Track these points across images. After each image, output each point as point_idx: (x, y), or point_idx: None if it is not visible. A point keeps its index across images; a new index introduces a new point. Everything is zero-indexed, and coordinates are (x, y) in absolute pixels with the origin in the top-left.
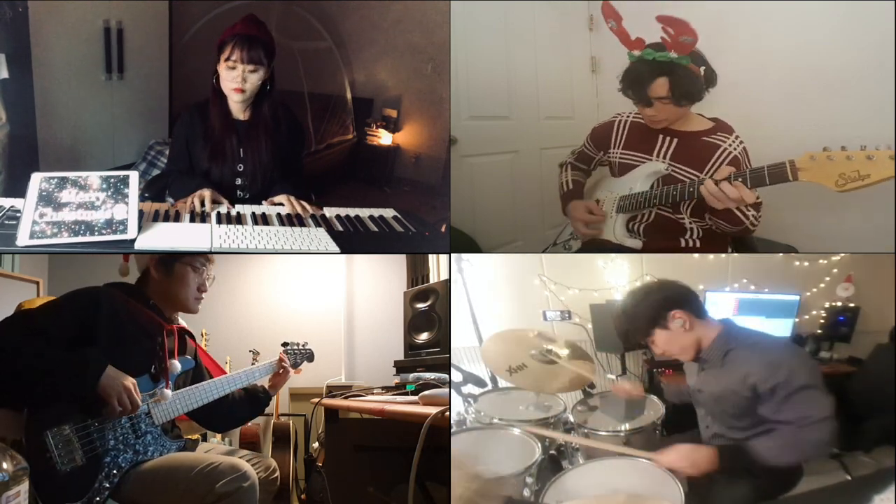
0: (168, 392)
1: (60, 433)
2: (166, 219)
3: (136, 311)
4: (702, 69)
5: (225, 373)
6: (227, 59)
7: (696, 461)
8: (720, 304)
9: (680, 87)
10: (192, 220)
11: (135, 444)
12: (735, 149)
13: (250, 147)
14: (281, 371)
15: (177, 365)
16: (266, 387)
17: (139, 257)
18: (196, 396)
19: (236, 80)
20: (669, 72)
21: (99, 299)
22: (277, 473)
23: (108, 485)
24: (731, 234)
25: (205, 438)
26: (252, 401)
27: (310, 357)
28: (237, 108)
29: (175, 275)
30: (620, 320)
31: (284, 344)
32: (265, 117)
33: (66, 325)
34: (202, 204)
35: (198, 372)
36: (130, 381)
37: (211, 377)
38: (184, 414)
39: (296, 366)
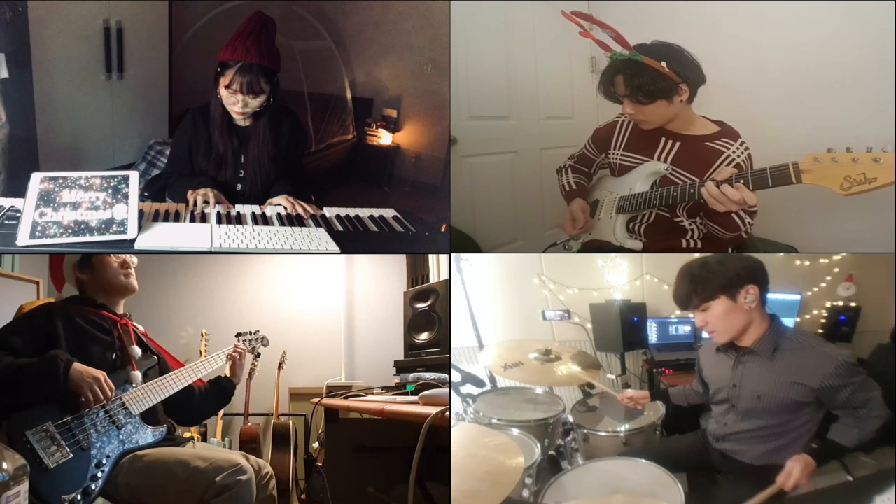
0: (137, 374)
1: (40, 431)
2: (166, 219)
3: (88, 313)
4: (663, 63)
5: (183, 365)
6: (228, 87)
7: (810, 472)
8: None
9: (632, 83)
10: (193, 219)
11: (118, 434)
12: (739, 156)
13: (251, 152)
14: (237, 357)
15: (136, 350)
16: (227, 375)
17: (66, 274)
18: (166, 384)
19: (237, 105)
20: (624, 69)
21: (53, 311)
22: (273, 479)
23: (100, 474)
24: (724, 241)
25: (204, 438)
26: (218, 390)
27: (264, 341)
28: (239, 115)
29: (96, 266)
30: (685, 280)
31: (238, 335)
32: (265, 123)
33: (29, 337)
34: (205, 202)
35: (163, 364)
36: (100, 373)
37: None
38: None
39: (253, 350)
